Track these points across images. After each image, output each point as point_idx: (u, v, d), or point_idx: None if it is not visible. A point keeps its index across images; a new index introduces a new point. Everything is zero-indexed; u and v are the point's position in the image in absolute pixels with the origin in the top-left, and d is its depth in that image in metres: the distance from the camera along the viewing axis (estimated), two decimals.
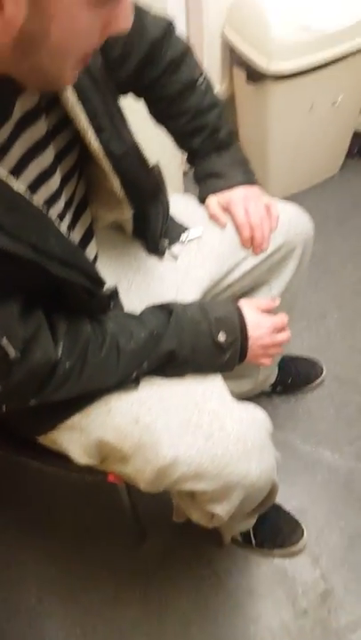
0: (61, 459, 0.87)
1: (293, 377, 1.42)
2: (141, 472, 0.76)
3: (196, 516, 0.85)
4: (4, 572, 1.23)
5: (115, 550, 1.22)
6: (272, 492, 0.88)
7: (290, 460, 1.32)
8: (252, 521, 1.07)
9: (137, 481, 0.79)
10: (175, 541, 1.22)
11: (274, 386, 1.40)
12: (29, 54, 0.50)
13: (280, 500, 1.22)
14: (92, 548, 1.24)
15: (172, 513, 1.09)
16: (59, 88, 0.64)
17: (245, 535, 1.17)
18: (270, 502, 0.96)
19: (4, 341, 0.60)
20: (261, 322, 0.85)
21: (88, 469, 0.85)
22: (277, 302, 0.93)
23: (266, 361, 0.88)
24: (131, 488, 1.02)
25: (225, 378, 1.20)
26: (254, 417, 0.82)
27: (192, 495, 0.84)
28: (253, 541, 1.17)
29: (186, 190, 1.89)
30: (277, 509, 1.20)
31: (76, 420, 0.78)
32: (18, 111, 0.63)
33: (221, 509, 0.80)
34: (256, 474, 0.78)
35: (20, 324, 0.62)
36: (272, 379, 1.35)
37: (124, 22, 0.54)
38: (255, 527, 1.14)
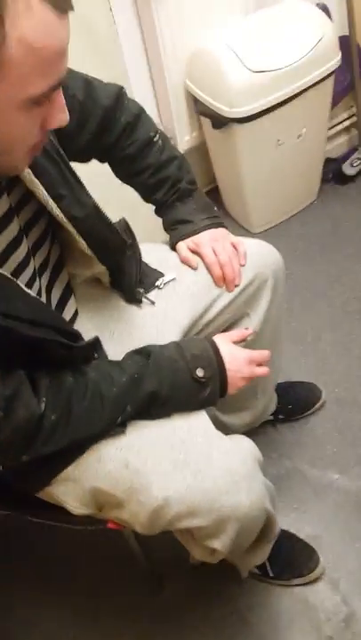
0: (61, 512, 0.89)
1: (293, 403, 1.44)
2: (136, 515, 0.79)
3: (199, 554, 0.87)
4: (28, 630, 1.23)
5: (135, 599, 1.22)
6: (270, 521, 0.89)
7: (300, 486, 1.32)
8: (266, 552, 1.07)
9: (134, 525, 0.81)
10: (194, 583, 1.21)
11: (275, 414, 1.41)
12: None
13: (293, 528, 1.22)
14: (113, 600, 1.24)
15: (188, 556, 1.09)
16: (15, 174, 0.70)
17: (262, 568, 1.17)
18: (272, 532, 0.97)
19: None
20: (236, 354, 0.88)
21: (88, 520, 0.87)
22: (250, 331, 0.97)
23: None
24: (140, 536, 1.03)
25: (226, 412, 1.23)
26: (241, 448, 0.84)
27: (191, 533, 0.85)
28: (271, 573, 1.16)
29: None
30: (290, 538, 1.20)
31: (70, 471, 0.80)
32: None
33: (219, 543, 0.81)
34: (247, 504, 0.80)
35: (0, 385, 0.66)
36: (272, 407, 1.37)
37: (59, 119, 0.61)
38: (271, 559, 1.13)
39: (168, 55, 1.73)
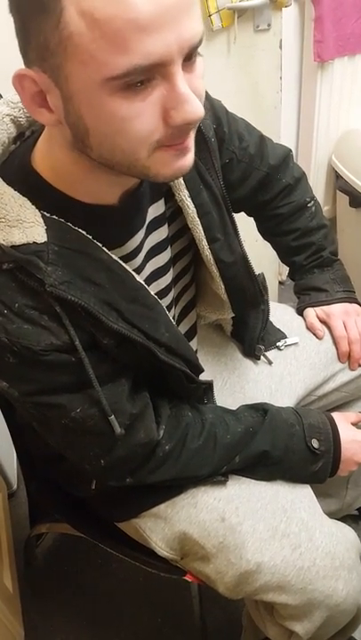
0: (138, 551, 0.87)
1: None
2: (222, 575, 0.75)
3: (273, 633, 0.81)
4: None
5: None
6: (356, 618, 0.82)
7: None
8: None
9: (216, 584, 0.77)
10: None
11: None
12: (88, 147, 0.53)
13: (358, 635, 1.12)
14: None
15: (239, 633, 1.03)
16: (156, 178, 0.57)
17: None
18: (351, 631, 0.89)
19: (112, 418, 0.64)
20: (359, 436, 0.84)
21: (164, 565, 0.84)
22: None
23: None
24: (203, 599, 0.98)
25: None
26: (345, 534, 0.80)
27: (271, 609, 0.80)
28: None
29: (280, 300, 1.94)
30: None
31: (162, 508, 0.79)
32: (148, 217, 0.72)
33: (302, 628, 0.76)
34: (342, 595, 0.75)
35: (128, 402, 0.67)
36: (359, 502, 1.28)
37: (184, 111, 0.50)
38: None
39: (321, 130, 1.77)
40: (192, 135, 0.56)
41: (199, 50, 0.52)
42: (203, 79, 0.54)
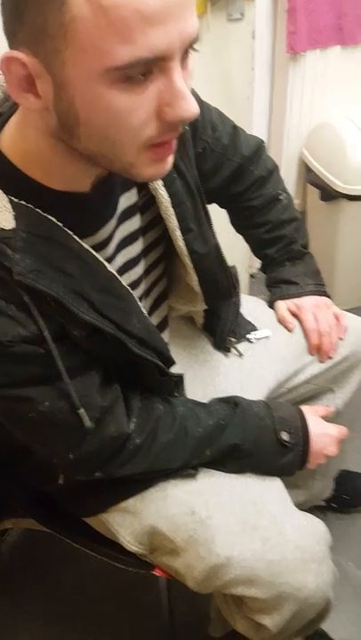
0: (106, 545, 0.86)
1: (351, 494, 1.36)
2: (192, 569, 0.74)
3: (242, 626, 0.81)
4: None
5: None
6: (324, 610, 0.83)
7: (340, 584, 1.22)
8: None
9: (186, 578, 0.76)
10: None
11: (328, 501, 1.34)
12: (75, 137, 0.52)
13: (326, 627, 1.13)
14: None
15: (207, 625, 1.03)
16: (136, 177, 0.57)
17: None
18: (319, 623, 0.90)
19: (81, 411, 0.63)
20: (328, 430, 0.84)
21: (133, 560, 0.83)
22: (331, 409, 0.94)
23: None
24: (171, 592, 0.98)
25: None
26: (315, 527, 0.80)
27: (239, 602, 0.80)
28: None
29: (251, 292, 1.94)
30: (323, 637, 1.11)
31: (131, 503, 0.78)
32: (120, 207, 0.70)
33: (271, 621, 0.76)
34: (312, 588, 0.74)
35: (98, 395, 0.66)
36: (327, 493, 1.29)
37: (179, 107, 0.50)
38: None
39: (292, 122, 1.78)
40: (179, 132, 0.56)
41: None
42: (192, 75, 0.54)
